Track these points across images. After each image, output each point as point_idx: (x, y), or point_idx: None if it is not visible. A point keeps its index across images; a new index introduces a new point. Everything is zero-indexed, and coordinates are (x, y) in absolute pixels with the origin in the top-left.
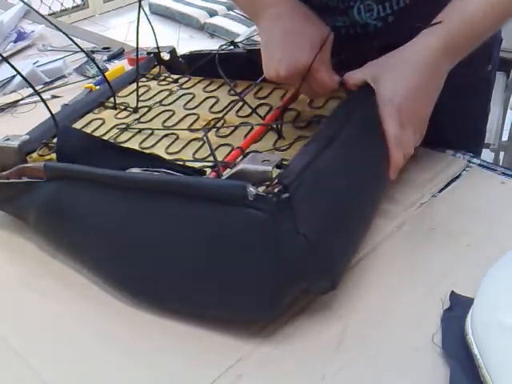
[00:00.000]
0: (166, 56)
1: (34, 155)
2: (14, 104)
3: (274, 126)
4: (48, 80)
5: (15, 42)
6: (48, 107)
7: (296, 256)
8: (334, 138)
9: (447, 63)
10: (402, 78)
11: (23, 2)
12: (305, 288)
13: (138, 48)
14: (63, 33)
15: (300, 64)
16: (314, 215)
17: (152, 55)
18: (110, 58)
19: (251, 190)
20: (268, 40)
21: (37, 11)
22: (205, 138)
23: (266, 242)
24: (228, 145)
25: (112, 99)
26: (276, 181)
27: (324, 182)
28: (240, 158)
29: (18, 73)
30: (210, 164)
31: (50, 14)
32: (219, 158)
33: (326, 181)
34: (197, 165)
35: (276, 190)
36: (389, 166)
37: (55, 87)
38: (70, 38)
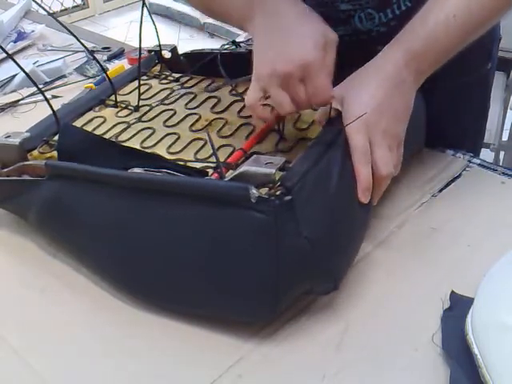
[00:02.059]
0: (167, 54)
1: (35, 153)
2: (14, 104)
3: (276, 127)
4: (48, 80)
5: (15, 41)
6: (50, 104)
7: (298, 258)
8: (334, 141)
9: (411, 77)
10: (366, 93)
11: None
12: (307, 289)
13: (140, 45)
14: (67, 30)
15: (301, 61)
16: (315, 217)
17: (153, 53)
18: (110, 58)
19: (254, 192)
20: (264, 34)
21: (45, 9)
22: (207, 139)
23: (268, 244)
24: (229, 145)
25: (113, 97)
26: (279, 183)
27: (325, 184)
28: (242, 160)
29: (22, 70)
30: (212, 165)
31: (49, 14)
32: (221, 159)
33: (327, 183)
34: (198, 165)
35: (279, 193)
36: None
37: (55, 87)
38: (74, 35)
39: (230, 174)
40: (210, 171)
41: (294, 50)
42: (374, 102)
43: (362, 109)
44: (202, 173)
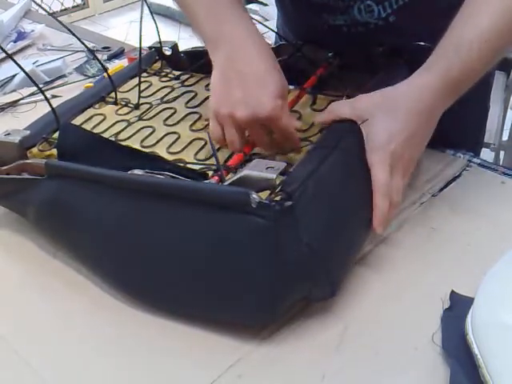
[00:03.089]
0: (167, 51)
1: (34, 150)
2: (14, 103)
3: None
4: (48, 79)
5: (15, 41)
6: (50, 103)
7: (298, 263)
8: (335, 146)
9: (445, 104)
10: (398, 122)
11: None
12: (305, 294)
13: (140, 43)
14: (67, 29)
15: (263, 112)
16: (316, 223)
17: (153, 50)
18: (110, 58)
19: (254, 197)
20: (227, 72)
21: (45, 9)
22: (208, 141)
23: (268, 249)
24: None
25: (113, 94)
26: (279, 188)
27: (326, 190)
28: (242, 162)
29: (22, 70)
30: (212, 167)
31: (49, 15)
32: (221, 160)
33: (328, 189)
34: (198, 167)
35: (279, 198)
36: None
37: (55, 87)
38: (74, 34)
39: (230, 178)
40: (210, 173)
41: (254, 100)
42: (403, 136)
43: (390, 140)
44: (202, 174)
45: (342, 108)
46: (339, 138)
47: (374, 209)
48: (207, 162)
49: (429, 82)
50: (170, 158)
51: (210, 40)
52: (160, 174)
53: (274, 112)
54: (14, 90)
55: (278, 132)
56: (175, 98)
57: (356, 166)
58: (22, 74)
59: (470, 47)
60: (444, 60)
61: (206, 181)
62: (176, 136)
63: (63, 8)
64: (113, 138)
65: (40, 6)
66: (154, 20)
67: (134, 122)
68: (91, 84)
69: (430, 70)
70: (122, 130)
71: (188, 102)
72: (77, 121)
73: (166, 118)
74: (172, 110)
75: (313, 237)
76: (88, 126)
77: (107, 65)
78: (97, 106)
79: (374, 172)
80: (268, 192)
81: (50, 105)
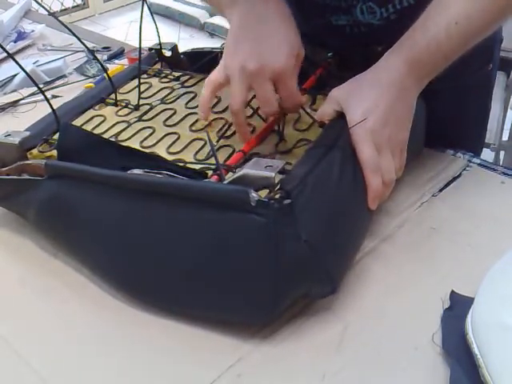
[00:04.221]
0: (167, 52)
1: (35, 151)
2: (15, 104)
3: (276, 128)
4: (48, 79)
5: (15, 41)
6: (50, 103)
7: (297, 261)
8: (333, 144)
9: (413, 84)
10: (370, 100)
11: None
12: (305, 292)
13: (140, 44)
14: (68, 29)
15: (274, 67)
16: (315, 221)
17: (153, 51)
18: (110, 58)
19: (253, 195)
20: (243, 26)
21: (46, 9)
22: (207, 140)
23: (267, 248)
24: (229, 146)
25: (113, 95)
26: (278, 186)
27: (325, 188)
28: (242, 162)
29: (22, 69)
30: (211, 166)
31: (49, 14)
32: (220, 160)
33: (327, 186)
34: (198, 166)
35: (278, 196)
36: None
37: (55, 87)
38: (74, 34)
39: (229, 177)
40: (210, 172)
41: (269, 53)
42: (379, 111)
43: (368, 115)
44: (202, 174)
45: (323, 108)
46: (337, 135)
47: (367, 186)
48: (207, 162)
49: (394, 61)
50: (169, 158)
51: (226, 2)
52: (159, 174)
53: (286, 67)
54: (14, 90)
55: (285, 91)
56: (175, 99)
57: (354, 163)
58: (23, 74)
59: (437, 29)
60: (410, 40)
61: (205, 180)
62: (176, 136)
63: (63, 8)
64: (113, 139)
65: (41, 5)
66: (154, 21)
67: (133, 123)
68: (91, 84)
69: (395, 50)
70: (122, 131)
71: (188, 102)
72: (77, 122)
73: (166, 119)
74: (172, 111)
75: (312, 234)
76: (88, 127)
77: (107, 65)
78: (97, 107)
79: (358, 150)
80: (267, 190)
81: (51, 105)
